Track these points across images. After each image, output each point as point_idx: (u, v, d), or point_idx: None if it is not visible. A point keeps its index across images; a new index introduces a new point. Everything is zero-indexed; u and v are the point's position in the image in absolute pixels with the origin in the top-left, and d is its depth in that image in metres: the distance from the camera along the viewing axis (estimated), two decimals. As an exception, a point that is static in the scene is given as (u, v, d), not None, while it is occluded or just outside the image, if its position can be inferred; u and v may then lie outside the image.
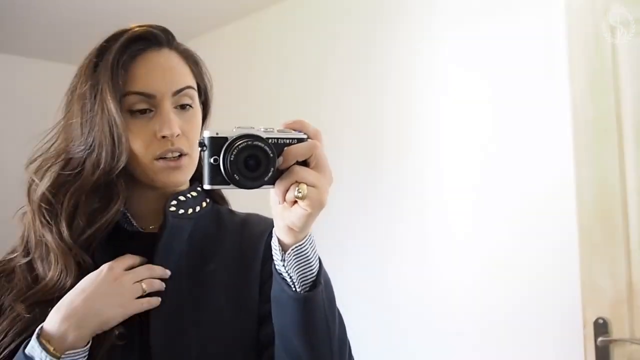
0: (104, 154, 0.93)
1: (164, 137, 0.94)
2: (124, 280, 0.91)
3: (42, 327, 0.87)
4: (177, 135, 0.95)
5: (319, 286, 0.83)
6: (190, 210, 1.02)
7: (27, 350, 0.86)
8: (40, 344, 0.85)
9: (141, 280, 0.93)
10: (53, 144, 0.99)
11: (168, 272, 0.95)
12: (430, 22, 2.51)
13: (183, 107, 0.98)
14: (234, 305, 0.98)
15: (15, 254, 0.99)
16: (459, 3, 2.41)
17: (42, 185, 0.95)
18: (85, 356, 0.88)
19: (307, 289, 0.83)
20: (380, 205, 2.63)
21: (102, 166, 0.93)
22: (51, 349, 0.85)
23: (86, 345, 0.88)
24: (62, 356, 0.85)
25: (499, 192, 2.27)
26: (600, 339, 1.90)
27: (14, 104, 3.99)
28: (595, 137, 1.95)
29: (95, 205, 0.95)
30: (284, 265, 0.82)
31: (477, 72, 2.36)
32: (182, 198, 1.02)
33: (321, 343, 0.85)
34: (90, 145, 0.94)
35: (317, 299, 0.83)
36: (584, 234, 1.96)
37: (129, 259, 0.95)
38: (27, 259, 0.97)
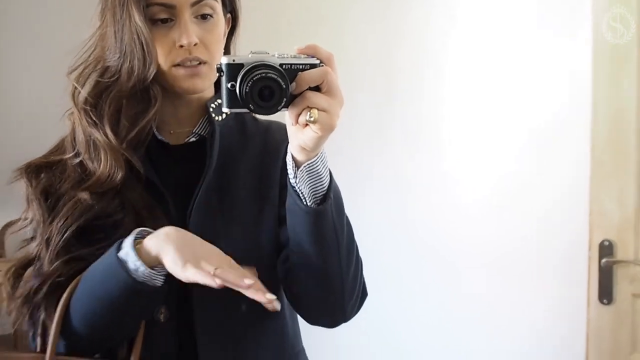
0: (135, 61, 0.97)
1: (182, 46, 0.98)
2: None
3: (137, 237, 0.90)
4: (195, 45, 0.98)
5: (328, 200, 0.89)
6: (218, 118, 1.07)
7: (120, 254, 0.89)
8: (136, 251, 0.88)
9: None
10: (92, 52, 1.03)
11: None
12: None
13: (204, 17, 1.00)
14: (257, 208, 1.05)
15: (65, 153, 1.04)
16: None
17: (84, 91, 1.00)
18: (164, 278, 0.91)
19: (318, 202, 0.89)
20: (396, 131, 2.65)
21: (135, 73, 0.97)
22: (146, 259, 0.88)
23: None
24: (155, 268, 0.89)
25: (515, 113, 2.28)
26: (604, 260, 1.96)
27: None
28: (614, 62, 1.95)
29: (136, 109, 0.99)
30: (296, 181, 0.89)
31: (496, 9, 2.33)
32: (213, 106, 1.07)
33: (330, 249, 0.92)
34: (124, 53, 0.98)
35: (326, 212, 0.89)
36: (596, 159, 1.98)
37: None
38: (78, 158, 1.02)
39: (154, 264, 0.88)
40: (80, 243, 0.98)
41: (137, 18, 0.95)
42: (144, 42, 0.96)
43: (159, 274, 0.89)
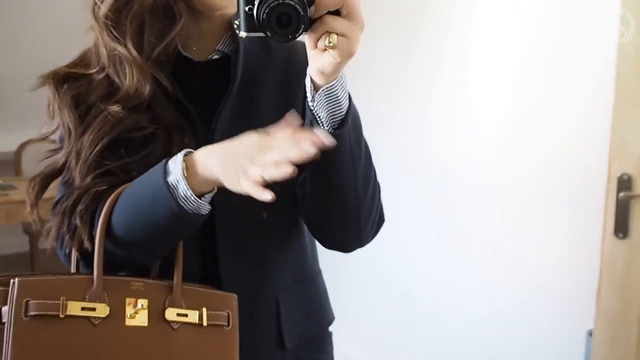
0: None
1: None
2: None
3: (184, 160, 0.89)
4: None
5: (346, 125, 0.88)
6: (243, 35, 1.06)
7: (170, 179, 0.88)
8: (186, 179, 0.87)
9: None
10: None
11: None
12: None
13: None
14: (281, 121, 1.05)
15: (89, 67, 1.03)
16: None
17: (104, 6, 0.98)
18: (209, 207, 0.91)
19: (336, 126, 0.88)
20: (418, 59, 2.60)
21: None
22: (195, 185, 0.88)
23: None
24: (203, 197, 0.89)
25: (538, 44, 2.21)
26: (622, 193, 1.92)
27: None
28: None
29: (160, 25, 0.97)
30: (314, 105, 0.87)
31: None
32: (237, 23, 1.05)
33: (346, 173, 0.92)
34: None
35: (343, 136, 0.88)
36: (620, 89, 1.91)
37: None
38: (104, 73, 1.00)
39: (204, 190, 0.88)
40: (112, 156, 0.98)
41: None
42: None
43: (206, 202, 0.90)
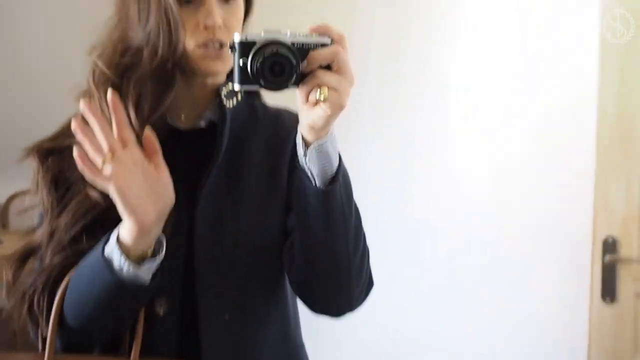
0: (160, 41, 0.95)
1: (206, 27, 0.97)
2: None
3: (118, 233, 0.89)
4: (219, 27, 0.97)
5: (337, 181, 0.88)
6: (229, 104, 1.07)
7: (106, 250, 0.89)
8: (120, 246, 0.88)
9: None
10: (114, 31, 1.02)
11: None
12: None
13: (226, 0, 1.00)
14: (266, 193, 1.05)
15: (74, 136, 1.02)
16: None
17: (107, 70, 0.98)
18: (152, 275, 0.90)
19: (327, 183, 0.89)
20: (403, 110, 2.63)
21: (159, 54, 0.95)
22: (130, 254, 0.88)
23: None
24: (142, 265, 0.88)
25: (521, 104, 2.24)
26: (607, 256, 1.92)
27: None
28: (621, 56, 1.90)
29: (156, 91, 0.98)
30: (306, 161, 0.88)
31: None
32: (224, 92, 1.07)
33: (337, 231, 0.92)
34: (148, 34, 0.96)
35: (335, 193, 0.88)
36: (602, 153, 1.94)
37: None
38: None
39: (140, 253, 0.88)
40: (85, 237, 0.96)
41: None
42: (172, 22, 0.94)
43: (146, 270, 0.89)
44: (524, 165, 2.22)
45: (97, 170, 0.84)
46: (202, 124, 1.06)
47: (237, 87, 0.85)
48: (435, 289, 2.48)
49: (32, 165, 1.01)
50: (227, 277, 0.99)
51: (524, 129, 2.22)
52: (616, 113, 1.89)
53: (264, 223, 1.03)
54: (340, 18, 2.76)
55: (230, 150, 1.04)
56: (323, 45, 0.83)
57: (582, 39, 2.05)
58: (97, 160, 0.84)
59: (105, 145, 0.84)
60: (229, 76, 1.04)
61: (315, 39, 0.84)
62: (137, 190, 0.85)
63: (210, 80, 1.04)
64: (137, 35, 0.98)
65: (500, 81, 2.29)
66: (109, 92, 0.85)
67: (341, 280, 0.96)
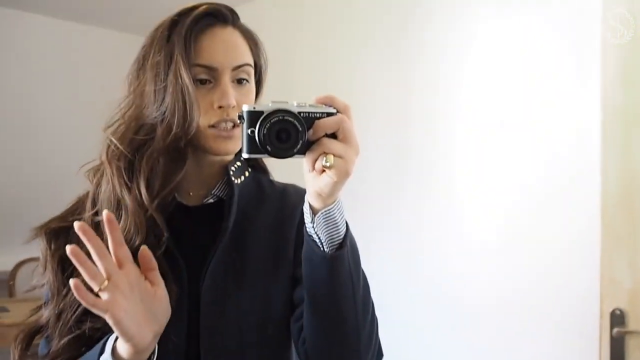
0: (175, 120, 0.97)
1: (220, 107, 1.00)
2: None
3: (115, 346, 0.89)
4: (233, 107, 1.00)
5: (345, 247, 0.89)
6: (237, 180, 1.09)
7: (107, 342, 0.90)
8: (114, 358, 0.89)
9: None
10: (128, 109, 1.03)
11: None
12: (462, 7, 2.50)
13: (240, 81, 1.04)
14: (272, 268, 1.05)
15: (83, 212, 1.03)
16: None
17: (122, 148, 1.00)
18: None
19: (335, 249, 0.90)
20: (409, 180, 2.66)
21: (173, 131, 0.97)
22: None
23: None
24: None
25: (525, 177, 2.26)
26: (616, 329, 1.89)
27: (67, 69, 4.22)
28: (623, 126, 1.90)
29: (167, 168, 0.99)
30: (314, 228, 0.89)
31: (508, 58, 2.33)
32: (233, 169, 1.09)
33: (346, 298, 0.91)
34: (164, 112, 0.98)
35: (343, 259, 0.89)
36: (607, 224, 1.93)
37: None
38: (98, 217, 0.99)
39: None
40: (92, 317, 0.95)
41: (186, 77, 0.97)
42: (188, 101, 0.97)
43: None
44: (531, 238, 2.23)
45: (94, 300, 0.83)
46: (210, 200, 1.08)
47: (245, 155, 0.86)
48: (444, 357, 2.46)
49: (40, 245, 1.02)
50: (232, 353, 1.00)
51: (531, 202, 2.24)
52: (619, 185, 1.89)
53: (270, 298, 1.04)
54: (346, 89, 2.83)
55: (237, 226, 1.05)
56: (329, 114, 0.86)
57: (585, 107, 2.08)
58: (94, 286, 0.84)
59: (102, 270, 0.84)
60: (237, 154, 1.08)
61: (321, 108, 0.86)
62: (134, 315, 0.85)
63: (219, 158, 1.06)
64: (152, 114, 1.00)
65: (504, 147, 2.33)
66: (105, 212, 0.86)
67: (351, 349, 0.95)
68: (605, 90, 1.95)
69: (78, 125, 3.94)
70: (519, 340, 2.24)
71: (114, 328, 0.84)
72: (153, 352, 0.91)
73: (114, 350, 0.89)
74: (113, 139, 1.01)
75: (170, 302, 0.92)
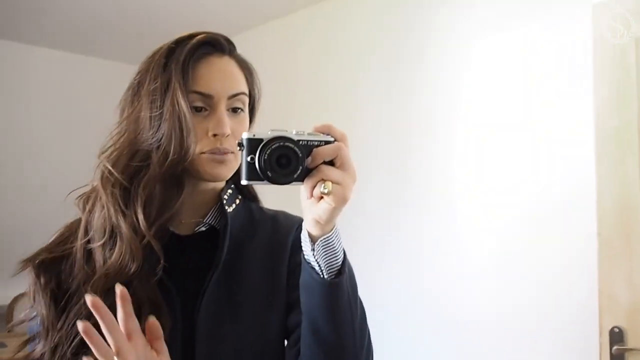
0: (172, 147, 0.97)
1: (215, 135, 1.00)
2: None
3: None
4: (227, 136, 1.01)
5: (344, 274, 0.90)
6: (229, 208, 1.09)
7: None
8: None
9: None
10: (122, 135, 1.02)
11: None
12: (458, 29, 2.55)
13: (235, 110, 1.04)
14: (266, 295, 1.06)
15: (75, 241, 1.02)
16: (488, 14, 2.44)
17: (117, 174, 0.99)
18: None
19: (333, 276, 0.90)
20: (408, 204, 2.68)
21: (170, 158, 0.97)
22: None
23: None
24: None
25: (522, 198, 2.29)
26: (615, 347, 1.91)
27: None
28: (617, 146, 1.95)
29: (164, 196, 0.99)
30: (313, 255, 0.90)
31: (504, 81, 2.38)
32: (225, 197, 1.09)
33: (345, 324, 0.92)
34: (160, 139, 0.98)
35: (342, 285, 0.90)
36: (604, 243, 1.96)
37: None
38: (91, 245, 0.99)
39: None
40: (89, 348, 0.93)
41: (183, 104, 0.97)
42: (185, 128, 0.97)
43: None
44: (529, 255, 2.25)
45: None
46: (203, 228, 1.08)
47: (243, 182, 0.87)
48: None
49: (28, 278, 1.00)
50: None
51: (530, 220, 2.27)
52: (614, 204, 1.93)
53: (265, 326, 1.04)
54: (343, 117, 2.87)
55: (231, 254, 1.05)
56: (327, 142, 0.87)
57: (579, 129, 2.12)
58: None
59: (111, 343, 0.84)
60: (227, 182, 1.09)
61: (319, 137, 0.88)
62: None
63: (212, 186, 1.07)
64: (147, 140, 0.99)
65: (501, 172, 2.37)
66: (118, 286, 0.85)
67: None
68: (598, 112, 2.00)
69: (72, 157, 3.95)
70: (517, 356, 2.26)
71: None
72: None
73: None
74: (107, 165, 1.00)
75: (164, 334, 0.91)
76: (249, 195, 1.19)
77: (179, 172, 0.99)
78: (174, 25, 3.01)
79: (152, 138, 0.99)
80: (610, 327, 1.93)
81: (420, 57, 2.69)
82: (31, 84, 4.16)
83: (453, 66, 2.56)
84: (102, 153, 1.02)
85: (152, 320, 0.88)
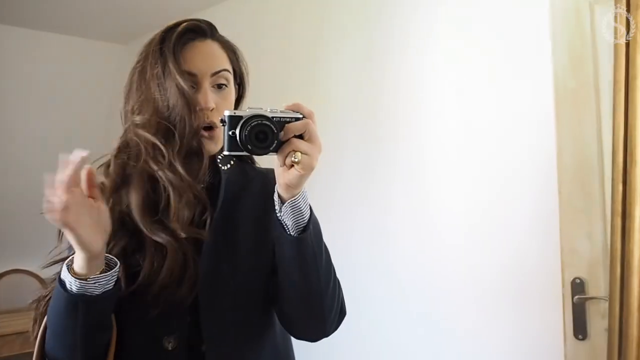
0: (185, 121, 1.12)
1: (201, 109, 1.14)
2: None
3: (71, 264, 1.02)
4: (212, 110, 1.15)
5: (308, 230, 1.06)
6: (224, 167, 1.27)
7: (62, 274, 1.02)
8: (68, 267, 1.01)
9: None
10: (141, 110, 1.16)
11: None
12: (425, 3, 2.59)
13: (219, 86, 1.19)
14: (258, 240, 1.21)
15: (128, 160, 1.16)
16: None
17: (150, 137, 1.13)
18: (110, 279, 1.03)
19: (299, 232, 1.06)
20: (380, 173, 2.74)
21: (187, 130, 1.12)
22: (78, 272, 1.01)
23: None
24: (89, 279, 1.00)
25: (486, 157, 2.37)
26: (577, 297, 2.01)
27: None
28: (574, 107, 2.03)
29: (187, 168, 1.13)
30: (281, 215, 1.06)
31: (468, 45, 2.44)
32: (219, 158, 1.26)
33: (310, 271, 1.08)
34: (173, 115, 1.12)
35: (306, 240, 1.06)
36: (564, 200, 2.04)
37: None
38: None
39: (87, 272, 1.00)
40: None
41: (182, 82, 1.11)
42: (189, 101, 1.12)
43: (93, 283, 1.01)
44: (495, 217, 2.34)
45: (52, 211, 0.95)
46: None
47: (225, 153, 1.02)
48: (414, 329, 2.54)
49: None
50: (227, 313, 1.15)
51: (490, 183, 2.35)
52: (574, 163, 2.00)
53: (258, 266, 1.19)
54: (316, 86, 2.89)
55: (227, 205, 1.21)
56: (297, 119, 1.02)
57: (538, 90, 2.20)
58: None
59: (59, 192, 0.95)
60: (220, 150, 1.23)
61: (290, 114, 1.02)
62: (85, 226, 0.97)
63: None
64: (164, 117, 1.13)
65: (463, 136, 2.44)
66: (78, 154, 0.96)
67: (315, 311, 1.12)
68: (557, 74, 2.07)
69: (61, 136, 3.96)
70: (483, 309, 2.36)
71: (70, 238, 0.96)
72: (117, 265, 1.04)
73: (69, 268, 1.01)
74: (142, 132, 1.14)
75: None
76: (244, 157, 1.35)
77: (197, 143, 1.14)
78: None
79: (167, 115, 1.12)
80: (571, 279, 2.02)
81: (390, 33, 2.74)
82: (17, 65, 4.15)
83: (421, 27, 2.61)
84: (134, 123, 1.15)
85: (90, 168, 1.00)
